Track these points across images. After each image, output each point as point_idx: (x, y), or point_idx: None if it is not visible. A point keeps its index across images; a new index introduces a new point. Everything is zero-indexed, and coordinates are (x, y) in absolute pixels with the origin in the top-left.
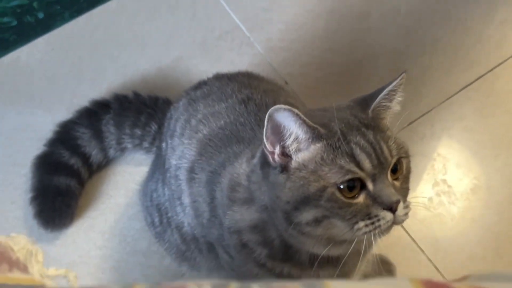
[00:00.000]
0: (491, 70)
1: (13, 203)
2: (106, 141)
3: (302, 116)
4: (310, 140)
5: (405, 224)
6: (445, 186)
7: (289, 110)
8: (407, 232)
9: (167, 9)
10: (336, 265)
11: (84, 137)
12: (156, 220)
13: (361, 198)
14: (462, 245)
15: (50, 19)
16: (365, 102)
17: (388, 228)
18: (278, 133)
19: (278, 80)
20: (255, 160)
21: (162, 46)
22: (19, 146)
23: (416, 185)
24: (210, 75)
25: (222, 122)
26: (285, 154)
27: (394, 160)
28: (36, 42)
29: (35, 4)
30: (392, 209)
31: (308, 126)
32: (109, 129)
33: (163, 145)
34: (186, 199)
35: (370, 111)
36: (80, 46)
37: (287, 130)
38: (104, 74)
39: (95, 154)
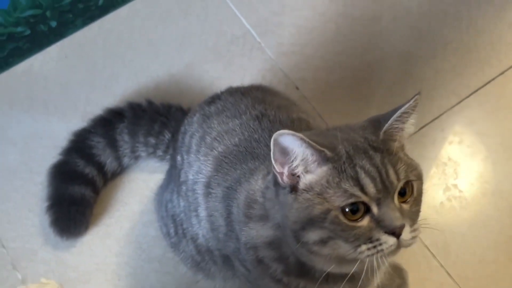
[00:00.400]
0: (503, 73)
1: (30, 211)
2: (121, 149)
3: (307, 139)
4: (317, 162)
5: None
6: (456, 190)
7: (293, 135)
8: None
9: (179, 14)
10: (350, 281)
11: (99, 146)
12: (172, 230)
13: (365, 222)
14: (473, 250)
15: (62, 27)
16: (378, 123)
17: (393, 252)
18: (286, 155)
19: (290, 85)
20: (270, 177)
21: (174, 51)
22: (35, 153)
23: (427, 190)
24: (222, 81)
25: (236, 139)
26: (294, 175)
27: (401, 184)
28: (49, 50)
29: (48, 13)
30: (395, 233)
31: (315, 149)
32: (123, 138)
33: (178, 158)
34: (202, 212)
35: (381, 133)
36: (93, 53)
37: (293, 153)
38: (117, 81)
39: (109, 162)
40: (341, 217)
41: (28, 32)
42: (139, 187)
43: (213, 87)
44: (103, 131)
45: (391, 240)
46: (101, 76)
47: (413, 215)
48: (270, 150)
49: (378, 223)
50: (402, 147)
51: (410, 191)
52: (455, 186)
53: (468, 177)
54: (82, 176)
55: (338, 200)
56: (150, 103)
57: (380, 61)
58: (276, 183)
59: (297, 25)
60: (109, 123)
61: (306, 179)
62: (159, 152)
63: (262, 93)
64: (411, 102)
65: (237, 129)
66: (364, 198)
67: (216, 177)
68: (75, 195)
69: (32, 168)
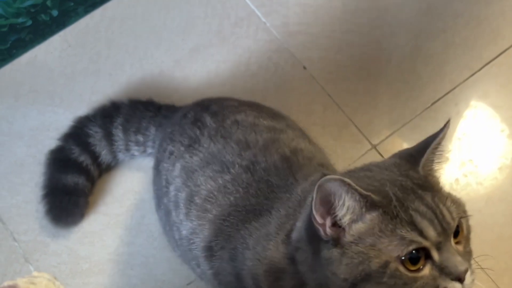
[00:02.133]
0: None
1: (40, 203)
2: (115, 144)
3: (354, 184)
4: (363, 209)
5: None
6: (471, 166)
7: (341, 180)
8: None
9: None
10: None
11: (96, 136)
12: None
13: (426, 271)
14: (491, 226)
15: (64, 15)
16: (413, 158)
17: None
18: (328, 203)
19: (297, 65)
20: (296, 235)
21: (178, 36)
22: (43, 146)
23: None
24: (227, 64)
25: (232, 198)
26: (336, 225)
27: (456, 223)
28: (52, 39)
29: (48, 3)
30: (460, 279)
31: (361, 194)
32: (118, 134)
33: (165, 200)
34: (207, 271)
35: (420, 169)
36: (96, 41)
37: (338, 201)
38: (122, 69)
39: (104, 154)
40: (402, 269)
41: (29, 22)
42: (149, 175)
43: (219, 71)
44: (101, 122)
45: (458, 286)
46: (106, 64)
47: (468, 256)
48: (272, 203)
49: (442, 270)
50: (440, 182)
51: (462, 230)
52: (471, 161)
53: (484, 151)
54: (76, 165)
55: (397, 250)
56: (149, 101)
57: (388, 37)
58: (312, 238)
59: (302, 4)
60: (108, 115)
61: (353, 229)
62: (149, 150)
63: (244, 132)
64: (444, 131)
65: (229, 187)
66: (425, 243)
67: (217, 241)
68: (68, 185)
69: (40, 161)
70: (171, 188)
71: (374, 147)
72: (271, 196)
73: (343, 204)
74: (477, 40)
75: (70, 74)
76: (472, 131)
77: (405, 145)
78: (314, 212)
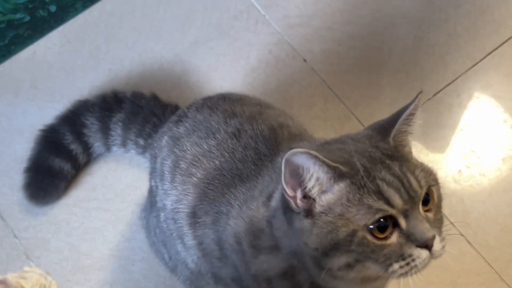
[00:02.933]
0: None
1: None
2: (111, 139)
3: (321, 156)
4: (332, 180)
5: None
6: (475, 157)
7: (307, 153)
8: None
9: None
10: None
11: (92, 127)
12: (166, 256)
13: (394, 238)
14: (494, 217)
15: (62, 11)
16: (384, 129)
17: (425, 266)
18: (298, 176)
19: (297, 58)
20: (274, 204)
21: (177, 30)
22: None
23: (445, 158)
24: (227, 58)
25: (217, 162)
26: (307, 197)
27: (424, 191)
28: (51, 35)
29: None
30: (428, 246)
31: (329, 166)
32: (117, 130)
33: (153, 183)
34: (190, 241)
35: (391, 139)
36: (95, 36)
37: (306, 173)
38: (121, 64)
39: (97, 146)
40: (369, 237)
41: (27, 18)
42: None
43: (219, 65)
44: (100, 115)
45: (425, 253)
46: (105, 59)
47: (439, 223)
48: (260, 169)
49: (408, 237)
50: (411, 152)
51: (432, 198)
52: (474, 152)
53: (487, 143)
54: (66, 151)
55: (364, 218)
56: (153, 97)
57: (390, 28)
58: (286, 209)
59: None
60: (108, 108)
61: (323, 200)
62: (147, 154)
63: (230, 104)
64: (415, 102)
65: (214, 151)
66: (391, 211)
67: (201, 206)
68: (54, 167)
69: None
70: (158, 160)
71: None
72: (259, 163)
73: (312, 176)
74: (479, 30)
75: (69, 70)
76: (475, 122)
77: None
78: (284, 185)
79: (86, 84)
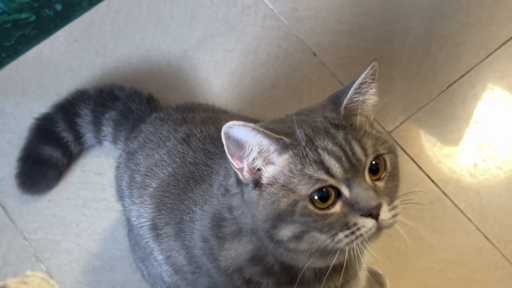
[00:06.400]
0: None
1: (49, 201)
2: (102, 134)
3: (261, 128)
4: (277, 152)
5: (449, 193)
6: (490, 150)
7: (244, 125)
8: (452, 201)
9: None
10: (339, 273)
11: (85, 119)
12: (145, 272)
13: (337, 207)
14: (511, 211)
15: (68, 9)
16: (338, 99)
17: (374, 235)
18: (241, 148)
19: (306, 52)
20: (230, 181)
21: (184, 26)
22: None
23: (460, 151)
24: (235, 53)
25: (169, 169)
26: (255, 169)
27: (370, 160)
28: (57, 34)
29: None
30: (372, 215)
31: (271, 137)
32: (108, 128)
33: (121, 202)
34: (158, 256)
35: (342, 109)
36: (102, 34)
37: (248, 145)
38: (129, 61)
39: (89, 137)
40: (310, 207)
41: (33, 17)
42: None
43: (227, 60)
44: (94, 108)
45: (370, 222)
46: (112, 57)
47: (391, 192)
48: (211, 168)
49: (352, 206)
50: (367, 121)
51: (383, 167)
52: (489, 145)
53: (503, 134)
54: (57, 138)
55: (304, 189)
56: (147, 100)
57: (401, 19)
58: (238, 182)
59: None
60: (102, 104)
61: (268, 172)
62: None
63: (182, 112)
64: (367, 71)
65: (165, 159)
66: (331, 181)
67: (160, 216)
68: (43, 156)
69: None
70: (117, 179)
71: (389, 133)
72: (209, 162)
73: (253, 149)
74: (493, 19)
75: (76, 69)
76: (490, 113)
77: (421, 131)
78: (229, 157)
79: (93, 83)
